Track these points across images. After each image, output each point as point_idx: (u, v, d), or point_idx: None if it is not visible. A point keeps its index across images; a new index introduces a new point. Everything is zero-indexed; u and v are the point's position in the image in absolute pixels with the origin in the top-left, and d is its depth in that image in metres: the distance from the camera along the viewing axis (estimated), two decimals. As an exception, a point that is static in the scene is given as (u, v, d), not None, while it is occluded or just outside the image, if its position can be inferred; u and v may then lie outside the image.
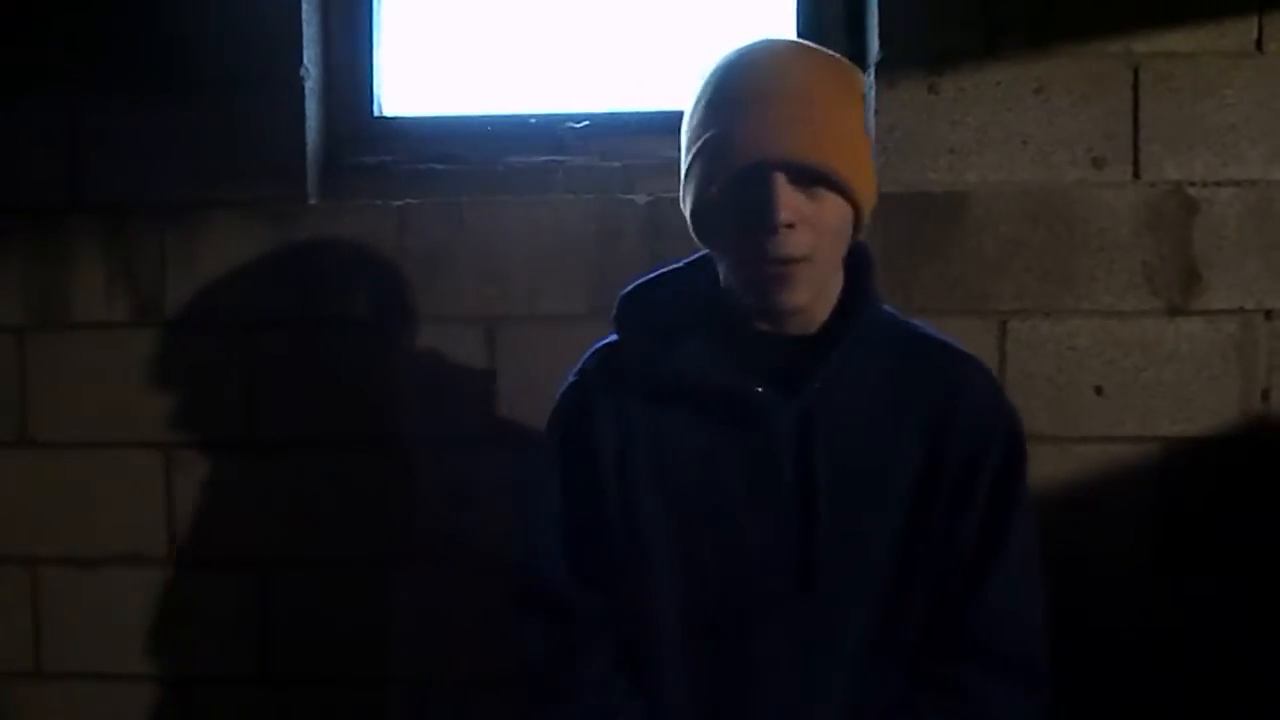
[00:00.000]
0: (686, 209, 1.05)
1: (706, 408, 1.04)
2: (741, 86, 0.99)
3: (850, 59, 1.63)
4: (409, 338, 1.61)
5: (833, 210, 0.98)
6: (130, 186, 1.62)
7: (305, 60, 1.62)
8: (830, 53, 1.06)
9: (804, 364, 1.02)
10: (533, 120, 1.69)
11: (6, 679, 1.67)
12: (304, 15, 1.62)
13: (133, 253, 1.62)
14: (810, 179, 0.96)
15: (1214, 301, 1.55)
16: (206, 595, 1.64)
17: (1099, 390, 1.56)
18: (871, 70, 1.58)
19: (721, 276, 1.07)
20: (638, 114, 1.69)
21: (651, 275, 1.15)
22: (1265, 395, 1.55)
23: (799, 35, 1.67)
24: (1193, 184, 1.54)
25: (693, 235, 1.07)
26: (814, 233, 0.97)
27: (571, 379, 1.15)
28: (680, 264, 1.15)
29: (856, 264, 1.07)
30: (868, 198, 1.01)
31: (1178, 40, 1.54)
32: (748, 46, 1.03)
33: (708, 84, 1.02)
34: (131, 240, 1.62)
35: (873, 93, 1.57)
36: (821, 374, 1.02)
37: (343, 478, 1.61)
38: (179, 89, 1.61)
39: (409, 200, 1.62)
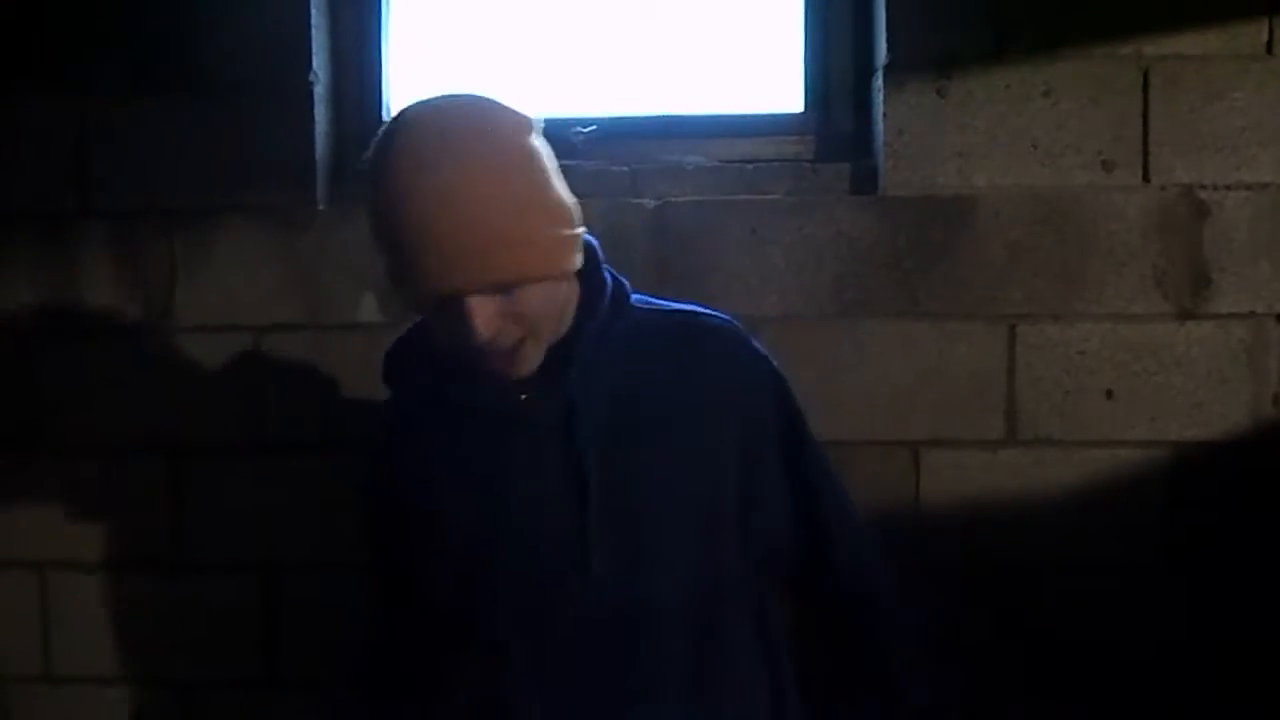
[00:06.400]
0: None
1: (482, 428, 1.08)
2: (408, 209, 0.95)
3: (857, 61, 1.67)
4: (417, 341, 1.61)
5: (536, 293, 0.98)
6: (139, 191, 1.62)
7: (314, 65, 1.62)
8: (488, 111, 1.02)
9: (560, 364, 1.05)
10: (540, 124, 1.69)
11: (15, 682, 1.67)
12: (313, 20, 1.62)
13: (142, 257, 1.63)
14: (504, 287, 0.96)
15: (1225, 305, 1.54)
16: (214, 598, 1.64)
17: (1109, 394, 1.55)
18: (880, 73, 1.58)
19: None
20: (645, 118, 1.69)
21: (406, 332, 1.16)
22: (1276, 399, 1.54)
23: (805, 39, 1.67)
24: (1203, 187, 1.54)
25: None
26: (521, 322, 0.98)
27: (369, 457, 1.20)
28: (422, 319, 1.13)
29: (585, 258, 1.06)
30: (569, 251, 1.01)
31: (1188, 43, 1.53)
32: (403, 140, 0.99)
33: (376, 187, 1.00)
34: (140, 245, 1.63)
35: (880, 95, 1.57)
36: (574, 368, 1.05)
37: (352, 481, 1.61)
38: (188, 94, 1.61)
39: (417, 204, 1.61)
